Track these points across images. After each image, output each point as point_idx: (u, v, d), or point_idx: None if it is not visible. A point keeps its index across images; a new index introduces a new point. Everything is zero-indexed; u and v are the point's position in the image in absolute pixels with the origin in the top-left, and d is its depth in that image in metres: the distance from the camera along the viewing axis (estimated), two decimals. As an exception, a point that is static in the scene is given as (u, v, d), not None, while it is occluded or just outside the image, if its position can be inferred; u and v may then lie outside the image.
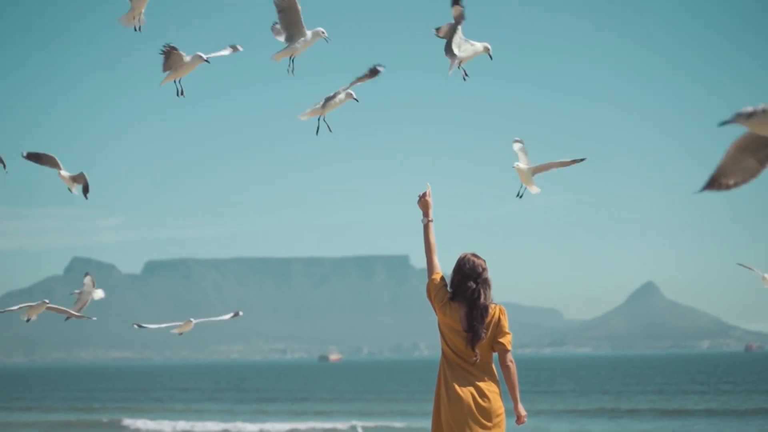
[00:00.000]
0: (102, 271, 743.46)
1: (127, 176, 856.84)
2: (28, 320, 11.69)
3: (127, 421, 51.56)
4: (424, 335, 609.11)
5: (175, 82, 9.77)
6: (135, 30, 9.96)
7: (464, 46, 9.79)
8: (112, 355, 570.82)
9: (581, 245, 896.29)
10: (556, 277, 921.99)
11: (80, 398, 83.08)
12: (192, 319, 11.69)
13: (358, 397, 75.57)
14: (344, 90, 9.77)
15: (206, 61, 9.66)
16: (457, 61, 9.82)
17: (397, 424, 48.41)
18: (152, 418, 53.37)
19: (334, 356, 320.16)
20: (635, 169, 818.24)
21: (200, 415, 57.44)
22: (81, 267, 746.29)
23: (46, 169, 10.97)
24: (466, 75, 9.93)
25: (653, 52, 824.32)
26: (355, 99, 9.80)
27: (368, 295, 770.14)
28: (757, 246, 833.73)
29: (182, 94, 9.86)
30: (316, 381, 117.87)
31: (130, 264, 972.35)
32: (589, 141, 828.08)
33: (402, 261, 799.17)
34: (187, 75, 9.76)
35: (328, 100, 9.79)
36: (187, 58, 9.67)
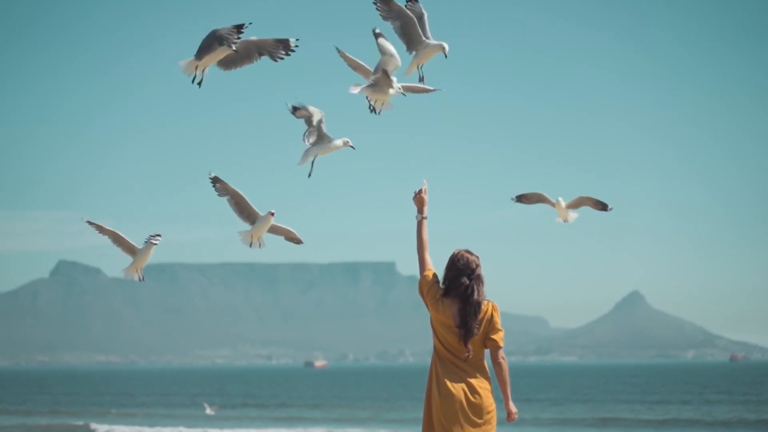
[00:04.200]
0: (88, 275, 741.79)
1: (114, 180, 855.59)
2: (141, 279, 10.69)
3: (95, 426, 51.02)
4: (409, 342, 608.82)
5: (196, 69, 9.41)
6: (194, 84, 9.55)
7: (419, 49, 9.83)
8: (97, 359, 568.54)
9: (568, 254, 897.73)
10: (543, 285, 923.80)
11: (61, 402, 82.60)
12: (272, 211, 10.58)
13: (341, 404, 75.29)
14: (341, 139, 10.03)
15: (234, 51, 9.31)
16: (414, 63, 9.84)
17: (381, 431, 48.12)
18: (129, 424, 52.92)
19: (319, 362, 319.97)
20: (623, 178, 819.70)
21: (179, 420, 56.97)
22: (67, 270, 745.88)
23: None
24: (423, 78, 10.01)
25: (645, 59, 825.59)
26: (352, 146, 10.11)
27: (354, 302, 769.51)
28: (743, 257, 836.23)
29: (199, 84, 9.49)
30: (300, 387, 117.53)
31: (117, 268, 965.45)
32: (580, 148, 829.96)
33: (389, 267, 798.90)
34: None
35: (317, 141, 9.95)
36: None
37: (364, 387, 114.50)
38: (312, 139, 10.06)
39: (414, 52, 9.87)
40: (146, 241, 10.58)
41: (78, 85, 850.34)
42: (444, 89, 10.21)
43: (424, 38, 9.84)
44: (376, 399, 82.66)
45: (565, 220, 11.25)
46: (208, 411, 48.28)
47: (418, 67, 9.97)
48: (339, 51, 10.09)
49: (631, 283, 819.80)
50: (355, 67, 10.13)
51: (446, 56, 9.88)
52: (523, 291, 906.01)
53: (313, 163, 10.12)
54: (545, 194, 11.21)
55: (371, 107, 10.11)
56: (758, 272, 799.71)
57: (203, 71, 9.50)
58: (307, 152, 10.09)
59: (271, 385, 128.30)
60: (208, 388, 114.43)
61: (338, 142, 10.05)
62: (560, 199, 11.18)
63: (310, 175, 10.17)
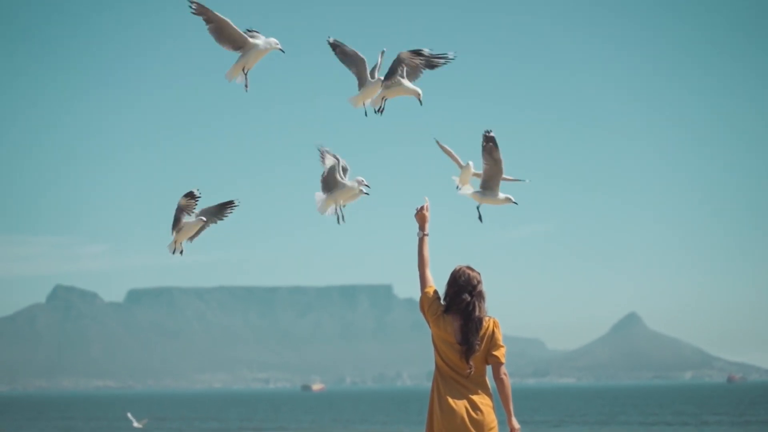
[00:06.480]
0: (85, 300, 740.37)
1: (109, 204, 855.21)
2: (180, 252, 10.38)
3: None
4: (407, 364, 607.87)
5: (243, 71, 9.27)
6: (245, 87, 9.41)
7: (394, 86, 9.84)
8: (94, 383, 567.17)
9: (565, 275, 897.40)
10: (540, 307, 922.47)
11: (57, 427, 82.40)
12: (362, 179, 9.97)
13: (338, 427, 75.12)
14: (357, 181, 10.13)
15: (281, 50, 9.17)
16: (382, 96, 9.87)
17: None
18: None
19: (316, 386, 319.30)
20: (619, 199, 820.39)
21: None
22: (63, 295, 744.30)
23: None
24: (381, 111, 10.05)
25: (645, 76, 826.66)
26: (366, 193, 10.23)
27: (352, 325, 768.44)
28: (741, 278, 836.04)
29: (246, 87, 9.37)
30: (297, 411, 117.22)
31: (113, 292, 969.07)
32: (577, 167, 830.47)
33: (386, 290, 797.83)
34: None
35: (330, 182, 9.86)
36: (258, 42, 9.14)
37: (362, 410, 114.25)
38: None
39: (385, 82, 9.83)
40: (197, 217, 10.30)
41: (70, 104, 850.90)
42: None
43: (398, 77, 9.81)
44: (373, 422, 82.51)
45: (459, 187, 10.60)
46: (136, 424, 48.24)
47: (382, 99, 10.03)
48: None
49: (628, 304, 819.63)
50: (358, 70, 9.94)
51: (421, 103, 9.96)
52: (520, 312, 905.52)
53: (340, 208, 10.13)
54: (457, 156, 10.58)
55: (369, 111, 10.17)
56: (756, 293, 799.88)
57: (245, 74, 9.34)
58: (327, 199, 10.09)
59: (268, 408, 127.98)
60: (205, 412, 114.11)
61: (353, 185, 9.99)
62: (470, 163, 10.55)
63: (340, 221, 10.24)
